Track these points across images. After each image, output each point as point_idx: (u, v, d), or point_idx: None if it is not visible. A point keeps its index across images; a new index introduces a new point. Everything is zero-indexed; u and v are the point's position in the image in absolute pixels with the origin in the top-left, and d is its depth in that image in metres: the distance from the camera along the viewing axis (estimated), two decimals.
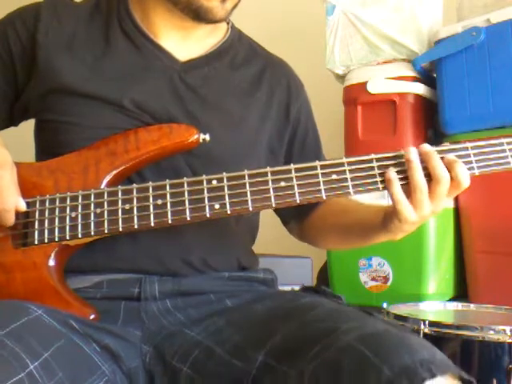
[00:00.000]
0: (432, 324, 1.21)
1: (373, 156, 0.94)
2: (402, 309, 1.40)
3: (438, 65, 1.90)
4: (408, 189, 0.92)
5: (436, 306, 1.50)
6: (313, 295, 1.02)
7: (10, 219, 0.94)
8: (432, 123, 2.00)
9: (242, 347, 0.88)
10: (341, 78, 2.12)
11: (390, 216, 0.96)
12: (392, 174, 0.92)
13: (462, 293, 1.91)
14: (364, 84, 1.98)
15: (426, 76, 1.97)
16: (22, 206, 0.94)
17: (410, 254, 1.80)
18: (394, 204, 0.93)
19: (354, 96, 2.01)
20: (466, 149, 0.96)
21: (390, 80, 1.95)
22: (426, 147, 0.93)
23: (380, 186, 0.94)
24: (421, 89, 1.95)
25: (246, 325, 0.94)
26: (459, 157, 0.94)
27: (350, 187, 0.93)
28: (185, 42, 1.10)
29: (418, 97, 1.95)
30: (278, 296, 1.04)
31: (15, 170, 0.96)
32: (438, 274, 1.82)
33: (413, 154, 0.92)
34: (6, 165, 0.95)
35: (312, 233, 1.22)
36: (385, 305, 1.36)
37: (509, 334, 1.16)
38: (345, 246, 1.27)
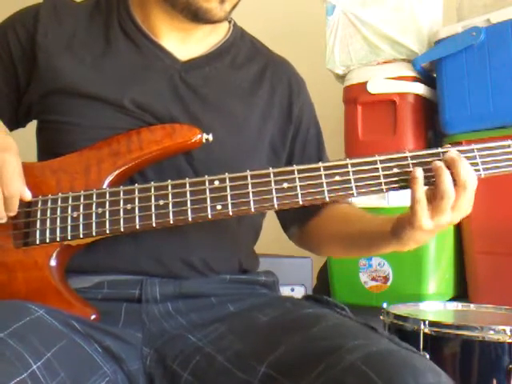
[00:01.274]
0: (432, 324, 1.21)
1: (377, 157, 0.94)
2: (401, 309, 1.40)
3: (437, 65, 1.90)
4: (431, 195, 0.90)
5: (436, 306, 1.49)
6: (315, 305, 1.00)
7: (14, 207, 0.93)
8: (432, 123, 2.00)
9: (243, 357, 0.88)
10: (341, 78, 2.12)
11: (401, 224, 0.94)
12: (419, 172, 0.90)
13: (461, 293, 1.91)
14: (364, 84, 1.98)
15: (426, 76, 1.97)
16: (27, 196, 0.94)
17: (410, 254, 1.78)
18: (412, 204, 0.90)
19: (354, 96, 2.01)
20: (472, 150, 0.95)
21: (390, 80, 1.95)
22: (452, 153, 0.91)
23: (384, 187, 0.93)
24: (421, 89, 1.95)
25: (247, 333, 0.93)
26: (466, 158, 0.93)
27: (354, 189, 0.92)
28: (185, 42, 1.10)
29: (417, 97, 1.95)
30: (279, 304, 1.03)
31: (20, 158, 0.95)
32: (437, 273, 1.82)
33: (439, 162, 0.90)
34: (12, 150, 0.94)
35: (313, 240, 1.21)
36: (385, 305, 1.36)
37: (509, 333, 1.16)
38: (347, 255, 1.26)
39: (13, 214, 0.93)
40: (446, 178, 0.89)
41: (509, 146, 0.96)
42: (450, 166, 0.90)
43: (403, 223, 0.94)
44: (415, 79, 1.95)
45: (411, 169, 0.92)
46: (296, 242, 1.26)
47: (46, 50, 1.04)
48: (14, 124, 1.12)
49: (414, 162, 0.93)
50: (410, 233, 0.94)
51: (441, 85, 1.89)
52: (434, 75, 1.96)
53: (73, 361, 0.82)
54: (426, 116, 1.98)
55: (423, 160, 0.93)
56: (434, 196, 0.90)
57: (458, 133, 1.83)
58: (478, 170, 0.94)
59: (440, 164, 0.90)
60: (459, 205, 0.89)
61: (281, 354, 0.84)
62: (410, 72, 1.94)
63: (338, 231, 1.14)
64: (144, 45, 1.07)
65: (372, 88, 1.96)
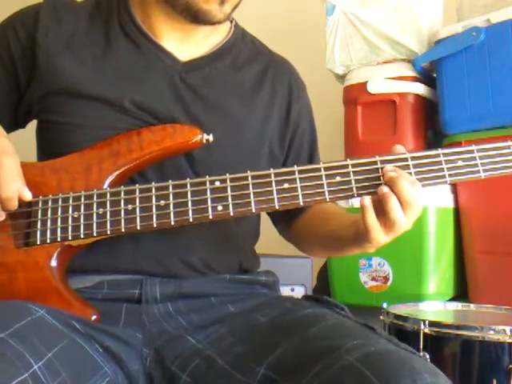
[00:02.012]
0: (432, 324, 1.21)
1: (377, 158, 0.93)
2: (401, 309, 1.40)
3: (437, 65, 1.90)
4: (382, 212, 0.90)
5: (436, 306, 1.50)
6: (314, 305, 1.00)
7: (13, 208, 0.93)
8: (432, 123, 2.00)
9: (243, 359, 0.88)
10: (341, 77, 2.12)
11: (361, 233, 0.94)
12: (367, 201, 0.90)
13: (461, 293, 1.91)
14: (364, 84, 1.98)
15: (426, 76, 1.98)
16: (27, 196, 0.94)
17: (410, 254, 1.80)
18: (366, 229, 0.90)
19: (354, 96, 2.01)
20: (472, 151, 0.95)
21: (390, 80, 1.95)
22: (390, 173, 0.90)
23: None
24: (421, 89, 1.95)
25: (247, 335, 0.94)
26: (465, 159, 0.94)
27: (354, 189, 0.92)
28: (186, 43, 1.10)
29: (417, 97, 1.95)
30: (279, 304, 1.03)
31: (18, 159, 0.95)
32: (437, 273, 1.82)
33: (385, 188, 0.90)
34: (6, 151, 0.94)
35: (297, 239, 1.22)
36: (385, 305, 1.36)
37: (509, 333, 1.16)
38: (326, 255, 1.26)
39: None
40: (393, 204, 0.88)
41: (508, 147, 0.96)
42: (391, 187, 0.89)
43: (362, 235, 0.93)
44: (415, 79, 1.95)
45: (411, 170, 0.93)
46: (285, 239, 1.26)
47: (46, 50, 1.04)
48: (13, 123, 1.12)
49: (414, 162, 0.93)
50: (369, 244, 0.94)
51: (441, 85, 1.89)
52: (434, 75, 1.97)
53: (74, 361, 0.82)
54: (425, 116, 1.99)
55: (424, 161, 0.93)
56: (385, 217, 0.89)
57: (458, 133, 1.84)
58: (477, 172, 0.94)
59: (386, 190, 0.89)
60: (409, 218, 0.89)
61: (280, 355, 0.84)
62: (410, 72, 1.94)
63: (316, 231, 1.14)
64: (144, 45, 1.07)
65: (372, 88, 1.97)
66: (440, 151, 0.94)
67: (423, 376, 0.72)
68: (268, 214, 1.21)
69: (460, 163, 0.94)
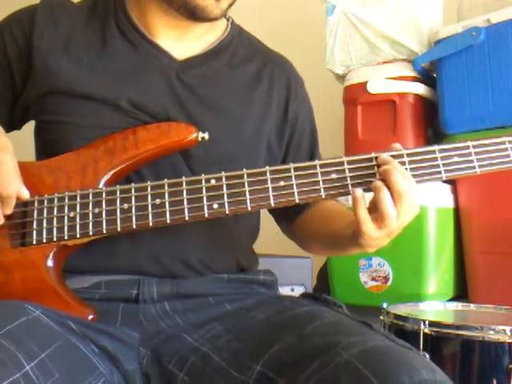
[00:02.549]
0: (432, 324, 1.21)
1: (373, 155, 0.93)
2: (401, 309, 1.40)
3: (437, 65, 1.90)
4: (374, 208, 0.89)
5: (436, 306, 1.50)
6: (313, 303, 1.00)
7: (11, 206, 0.93)
8: (432, 123, 2.00)
9: (239, 356, 0.88)
10: (341, 77, 2.12)
11: (356, 233, 0.93)
12: (358, 192, 0.89)
13: (461, 293, 1.91)
14: (364, 84, 1.98)
15: (426, 76, 1.97)
16: (25, 194, 0.94)
17: (410, 254, 1.79)
18: (357, 223, 0.90)
19: (354, 96, 2.01)
20: (468, 147, 0.95)
21: (390, 80, 1.95)
22: (385, 165, 0.90)
23: None
24: (421, 89, 1.95)
25: (244, 332, 0.93)
26: (460, 155, 0.94)
27: (350, 186, 0.92)
28: (182, 41, 1.10)
29: (417, 97, 1.95)
30: (277, 302, 1.03)
31: (15, 158, 0.96)
32: (437, 273, 1.82)
33: (378, 181, 0.90)
34: (7, 150, 0.94)
35: (299, 237, 1.21)
36: (385, 305, 1.36)
37: (509, 334, 1.16)
38: (327, 254, 1.25)
39: (8, 213, 0.94)
40: (383, 195, 0.88)
41: (504, 143, 0.96)
42: (384, 178, 0.89)
43: (357, 232, 0.93)
44: (415, 79, 1.95)
45: (407, 166, 0.92)
46: (288, 237, 1.26)
47: (42, 51, 1.04)
48: (10, 124, 1.11)
49: (410, 159, 0.93)
50: (364, 241, 0.93)
51: (441, 85, 1.89)
52: (434, 75, 1.96)
53: (68, 361, 0.82)
54: (425, 116, 1.98)
55: (420, 157, 0.93)
56: (376, 210, 0.89)
57: (458, 133, 1.83)
58: (473, 167, 0.94)
59: (379, 183, 0.89)
60: (401, 212, 0.88)
61: (276, 353, 0.84)
62: (410, 72, 1.94)
63: (318, 230, 1.14)
64: (140, 44, 1.07)
65: (372, 88, 1.97)
66: (436, 147, 0.94)
67: (420, 372, 0.72)
68: (270, 212, 1.21)
69: (456, 159, 0.94)
